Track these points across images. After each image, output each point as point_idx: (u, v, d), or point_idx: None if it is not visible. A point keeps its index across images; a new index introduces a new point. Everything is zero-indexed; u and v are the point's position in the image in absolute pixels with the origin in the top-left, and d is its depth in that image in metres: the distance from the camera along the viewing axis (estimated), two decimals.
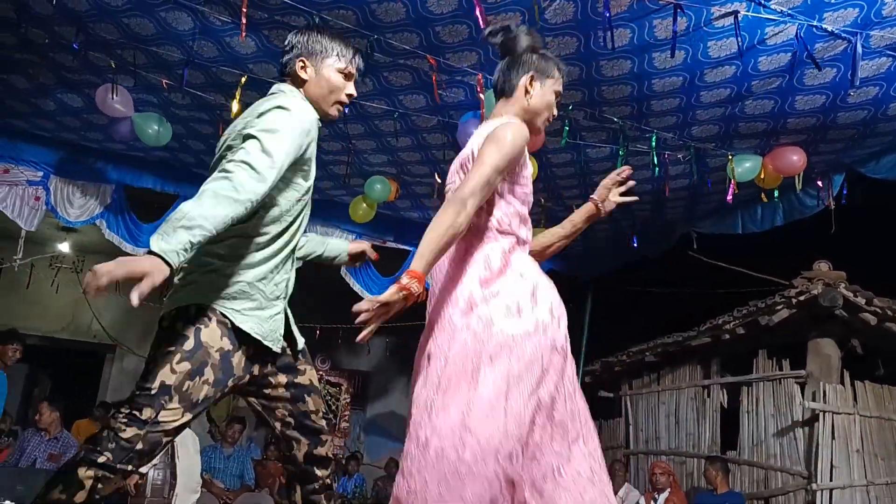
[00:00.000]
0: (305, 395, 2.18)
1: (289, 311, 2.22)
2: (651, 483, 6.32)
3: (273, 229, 2.06)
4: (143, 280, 1.58)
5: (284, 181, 2.03)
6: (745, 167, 5.03)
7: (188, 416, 1.92)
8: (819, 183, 5.35)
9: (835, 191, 5.34)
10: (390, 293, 1.76)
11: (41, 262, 7.89)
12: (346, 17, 3.80)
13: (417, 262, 1.81)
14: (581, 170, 5.64)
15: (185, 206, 1.71)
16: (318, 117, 2.15)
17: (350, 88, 2.22)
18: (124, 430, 1.83)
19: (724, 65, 4.08)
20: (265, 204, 2.01)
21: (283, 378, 2.16)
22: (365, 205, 6.08)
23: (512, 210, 2.07)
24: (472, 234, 2.02)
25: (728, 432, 6.79)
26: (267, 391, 2.16)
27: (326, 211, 6.59)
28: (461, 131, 4.60)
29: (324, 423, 2.23)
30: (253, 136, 1.90)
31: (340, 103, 2.22)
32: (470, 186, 1.90)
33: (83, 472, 1.80)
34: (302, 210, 2.15)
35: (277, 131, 1.92)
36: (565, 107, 4.57)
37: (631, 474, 7.73)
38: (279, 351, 2.12)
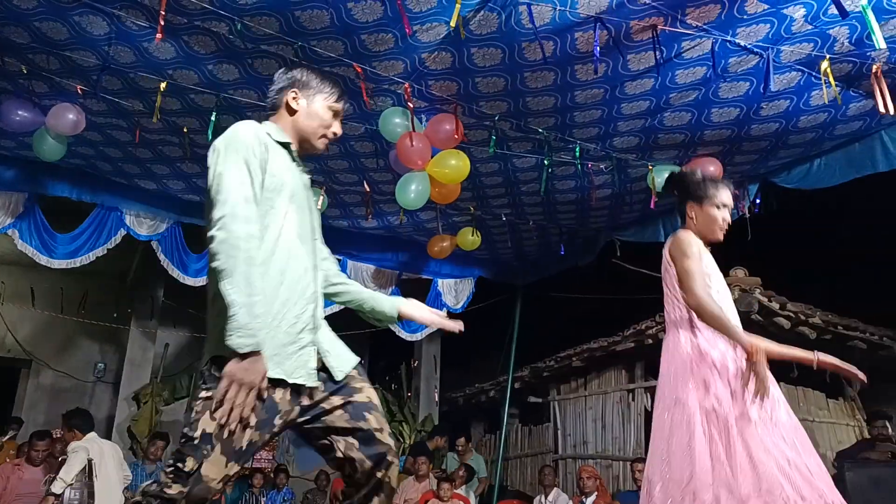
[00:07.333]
0: (365, 413, 2.06)
1: (330, 337, 2.13)
2: (579, 487, 6.42)
3: (268, 262, 1.97)
4: None
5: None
6: (664, 177, 5.15)
7: (235, 468, 1.85)
8: (735, 192, 5.55)
9: (750, 200, 5.55)
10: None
11: None
12: (268, 23, 3.74)
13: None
14: (508, 179, 5.70)
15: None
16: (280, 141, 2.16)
17: (336, 126, 2.29)
18: (170, 486, 1.80)
19: (644, 77, 4.20)
20: None
21: (337, 399, 2.05)
22: None
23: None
24: None
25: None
26: (324, 418, 2.05)
27: None
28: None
29: (391, 442, 2.09)
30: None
31: (327, 137, 2.30)
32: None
33: None
34: (284, 235, 2.05)
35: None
36: (492, 117, 4.62)
37: (560, 479, 7.83)
38: (316, 384, 2.01)
